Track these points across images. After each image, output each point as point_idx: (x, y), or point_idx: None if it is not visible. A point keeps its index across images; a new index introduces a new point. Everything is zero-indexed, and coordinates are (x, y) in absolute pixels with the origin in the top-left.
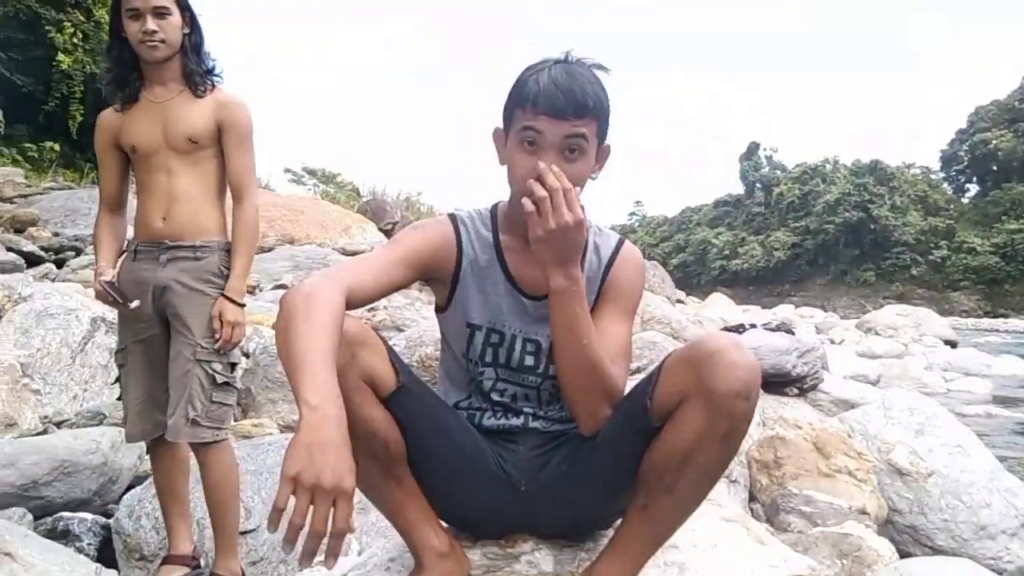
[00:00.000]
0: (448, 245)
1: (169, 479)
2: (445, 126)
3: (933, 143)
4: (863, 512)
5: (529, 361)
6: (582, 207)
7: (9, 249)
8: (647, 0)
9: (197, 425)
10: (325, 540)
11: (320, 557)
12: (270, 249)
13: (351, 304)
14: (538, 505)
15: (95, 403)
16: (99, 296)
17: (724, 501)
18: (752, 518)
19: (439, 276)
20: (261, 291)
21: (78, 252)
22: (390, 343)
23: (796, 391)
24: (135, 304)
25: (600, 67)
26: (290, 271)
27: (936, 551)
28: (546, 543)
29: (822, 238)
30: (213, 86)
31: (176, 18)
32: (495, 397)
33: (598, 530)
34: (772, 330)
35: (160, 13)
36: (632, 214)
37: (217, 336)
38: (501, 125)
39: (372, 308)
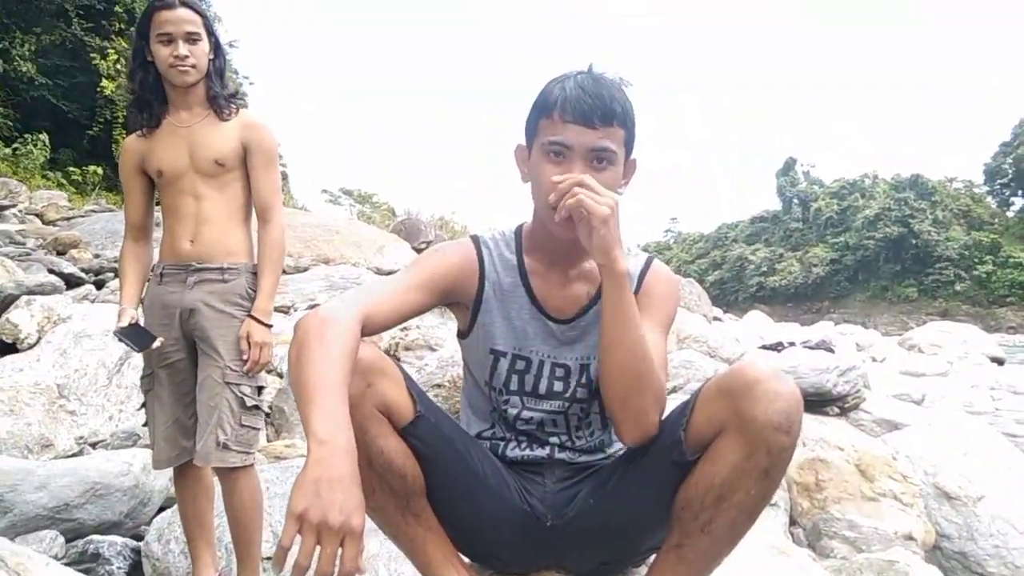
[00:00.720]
0: (470, 268)
1: (195, 506)
2: (481, 144)
3: (976, 157)
4: (910, 538)
5: (558, 387)
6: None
7: (50, 271)
8: (685, 18)
9: (227, 449)
10: None
11: None
12: (305, 269)
13: (368, 330)
14: (565, 541)
15: (130, 424)
16: (119, 340)
17: (764, 526)
18: (793, 543)
19: (461, 300)
20: (296, 311)
21: (117, 274)
22: (421, 363)
23: (837, 410)
24: (156, 344)
25: (623, 81)
26: (324, 291)
27: None
28: None
29: (862, 254)
30: (237, 109)
31: (204, 44)
32: (520, 426)
33: (631, 567)
34: (812, 348)
35: (192, 38)
36: (668, 231)
37: (245, 358)
38: (524, 142)
39: (404, 327)
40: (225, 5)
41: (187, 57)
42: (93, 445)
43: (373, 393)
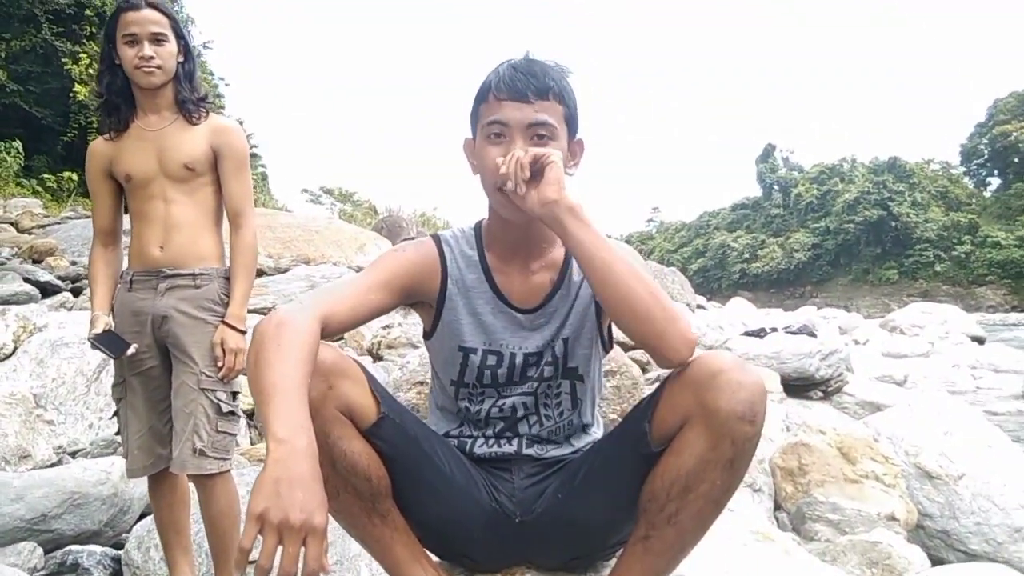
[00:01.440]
0: (431, 266)
1: (171, 513)
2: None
3: (952, 138)
4: (892, 518)
5: (530, 372)
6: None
7: (26, 280)
8: (660, 10)
9: (203, 456)
10: None
11: None
12: (285, 270)
13: (328, 332)
14: (535, 537)
15: (110, 432)
16: (94, 347)
17: (748, 511)
18: (777, 528)
19: (424, 299)
20: None
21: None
22: (403, 360)
23: (820, 394)
24: (131, 351)
25: (561, 67)
26: (305, 291)
27: (970, 556)
28: (546, 575)
29: (842, 238)
30: (207, 112)
31: (172, 45)
32: (493, 415)
33: (601, 561)
34: (794, 333)
35: (157, 39)
36: (649, 221)
37: (220, 364)
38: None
39: (387, 326)
40: (201, 5)
41: (152, 58)
42: (72, 454)
43: (335, 395)
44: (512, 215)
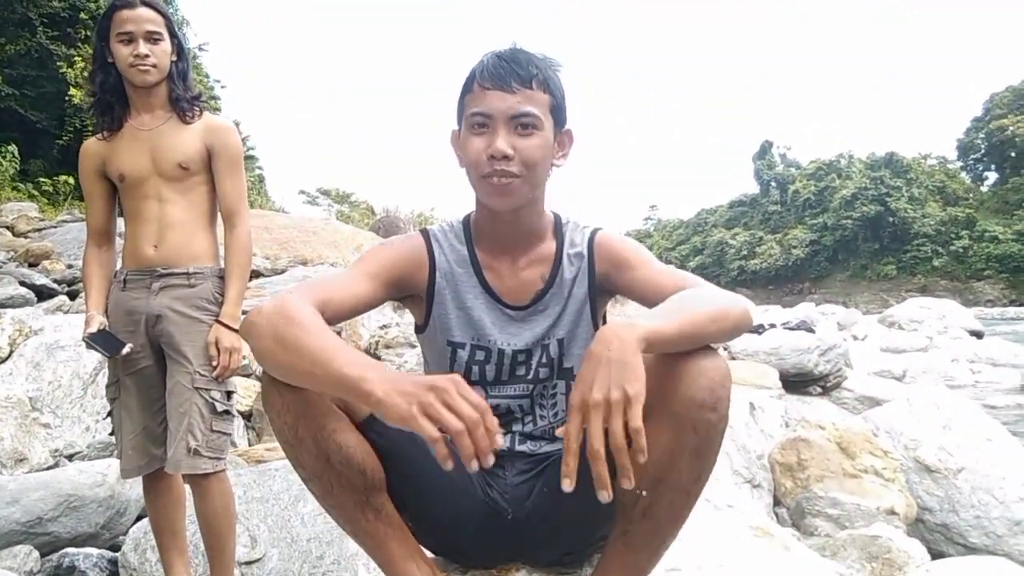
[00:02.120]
0: (419, 259)
1: (167, 514)
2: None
3: (948, 133)
4: (892, 512)
5: (520, 371)
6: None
7: (22, 283)
8: (661, 12)
9: (198, 455)
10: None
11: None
12: (283, 271)
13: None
14: (526, 534)
15: (107, 434)
16: (89, 347)
17: (747, 507)
18: (777, 524)
19: (413, 292)
20: None
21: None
22: (401, 360)
23: (819, 390)
24: (127, 350)
25: (549, 59)
26: None
27: (969, 549)
28: (540, 572)
29: (840, 234)
30: (201, 112)
31: (166, 44)
32: None
33: (595, 554)
34: (792, 329)
35: (152, 38)
36: (647, 219)
37: (214, 364)
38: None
39: (384, 325)
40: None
41: (147, 56)
42: (69, 457)
43: None
44: (495, 202)
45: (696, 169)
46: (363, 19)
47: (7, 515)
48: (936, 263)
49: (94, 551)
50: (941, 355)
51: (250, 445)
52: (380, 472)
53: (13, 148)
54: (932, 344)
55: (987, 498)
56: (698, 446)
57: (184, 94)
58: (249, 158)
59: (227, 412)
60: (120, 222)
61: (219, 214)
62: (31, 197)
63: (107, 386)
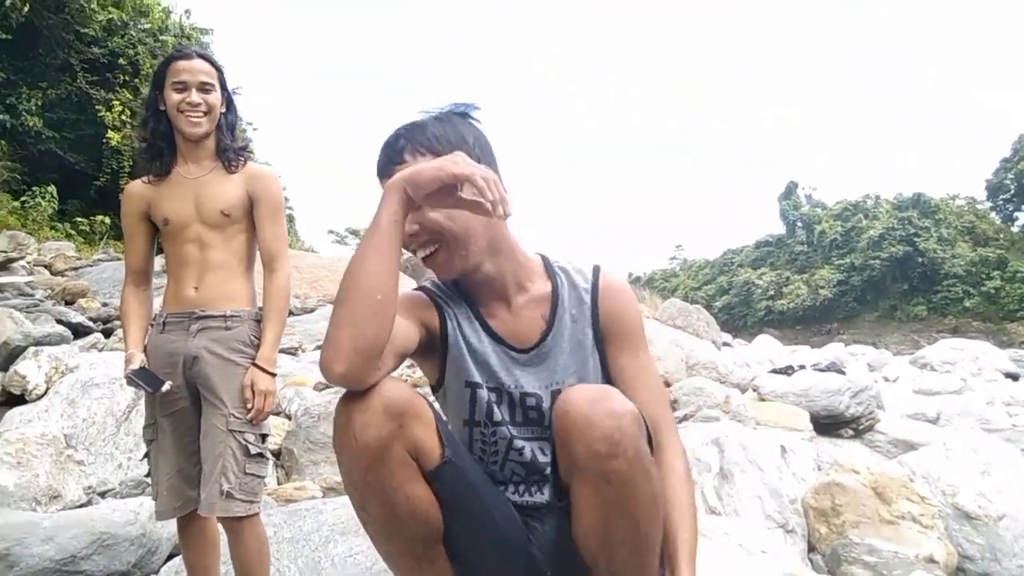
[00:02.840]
0: (429, 305)
1: (200, 557)
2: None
3: (977, 173)
4: (931, 560)
5: (532, 415)
6: None
7: (59, 321)
8: (683, 40)
9: (231, 498)
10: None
11: None
12: (312, 310)
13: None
14: None
15: (139, 472)
16: (130, 383)
17: (781, 552)
18: (812, 571)
19: (432, 333)
20: (304, 352)
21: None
22: (430, 399)
23: (851, 432)
24: (167, 387)
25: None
26: None
27: None
28: None
29: (868, 274)
30: (245, 161)
31: (217, 95)
32: (513, 457)
33: None
34: (822, 370)
35: (205, 88)
36: (673, 259)
37: (249, 406)
38: None
39: (412, 365)
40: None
41: (199, 104)
42: (102, 494)
43: (405, 435)
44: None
45: (721, 209)
46: (398, 65)
47: (42, 552)
48: (968, 304)
49: None
50: (976, 397)
51: (279, 484)
52: (440, 524)
53: (52, 189)
54: (966, 386)
55: None
56: (619, 497)
57: (232, 145)
58: None
59: (261, 455)
60: (158, 263)
61: (258, 258)
62: (68, 236)
63: (144, 427)
